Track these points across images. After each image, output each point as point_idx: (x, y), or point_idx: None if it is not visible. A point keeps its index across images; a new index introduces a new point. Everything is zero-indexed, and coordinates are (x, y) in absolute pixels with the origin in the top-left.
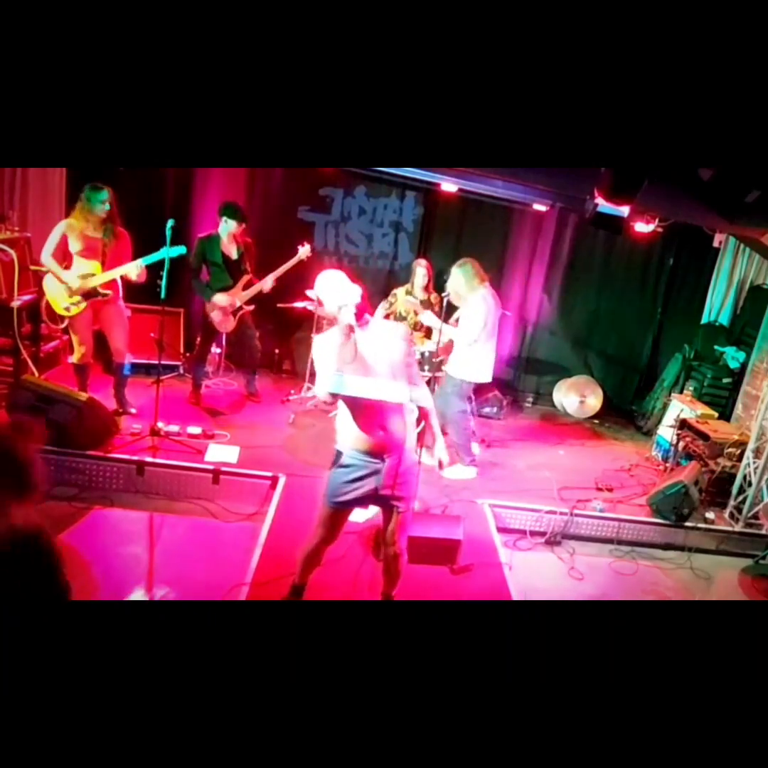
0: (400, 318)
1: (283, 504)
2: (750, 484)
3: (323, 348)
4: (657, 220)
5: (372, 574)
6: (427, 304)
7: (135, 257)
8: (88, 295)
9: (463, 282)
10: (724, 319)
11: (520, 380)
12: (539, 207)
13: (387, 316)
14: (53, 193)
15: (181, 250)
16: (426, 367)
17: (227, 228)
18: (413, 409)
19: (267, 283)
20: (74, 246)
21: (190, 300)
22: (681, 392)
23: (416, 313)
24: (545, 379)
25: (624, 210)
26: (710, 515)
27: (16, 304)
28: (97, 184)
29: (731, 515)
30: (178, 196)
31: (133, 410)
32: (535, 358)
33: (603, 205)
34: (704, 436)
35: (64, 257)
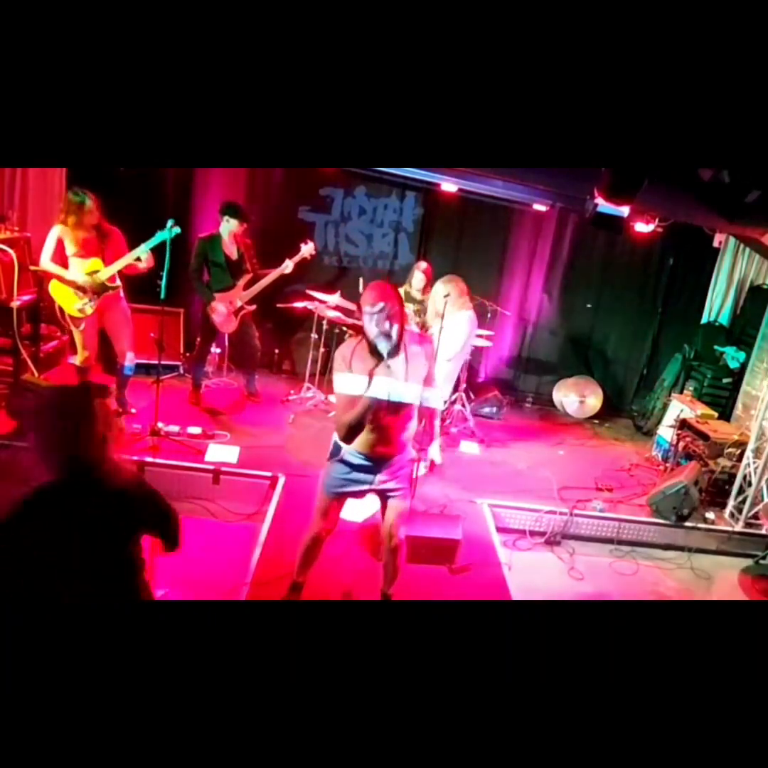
0: None
1: (283, 504)
2: (750, 484)
3: (346, 362)
4: (657, 220)
5: (371, 573)
6: (422, 308)
7: (131, 250)
8: (99, 290)
9: (451, 304)
10: (724, 319)
11: (520, 380)
12: (539, 207)
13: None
14: (53, 193)
15: (177, 231)
16: None
17: (229, 227)
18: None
19: (265, 283)
20: (70, 248)
21: (190, 300)
22: (681, 392)
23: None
24: (545, 379)
25: (624, 210)
26: (710, 515)
27: (16, 304)
28: (77, 190)
29: (731, 515)
30: (178, 196)
31: (133, 410)
32: (535, 358)
33: (603, 205)
34: (704, 436)
35: (60, 261)
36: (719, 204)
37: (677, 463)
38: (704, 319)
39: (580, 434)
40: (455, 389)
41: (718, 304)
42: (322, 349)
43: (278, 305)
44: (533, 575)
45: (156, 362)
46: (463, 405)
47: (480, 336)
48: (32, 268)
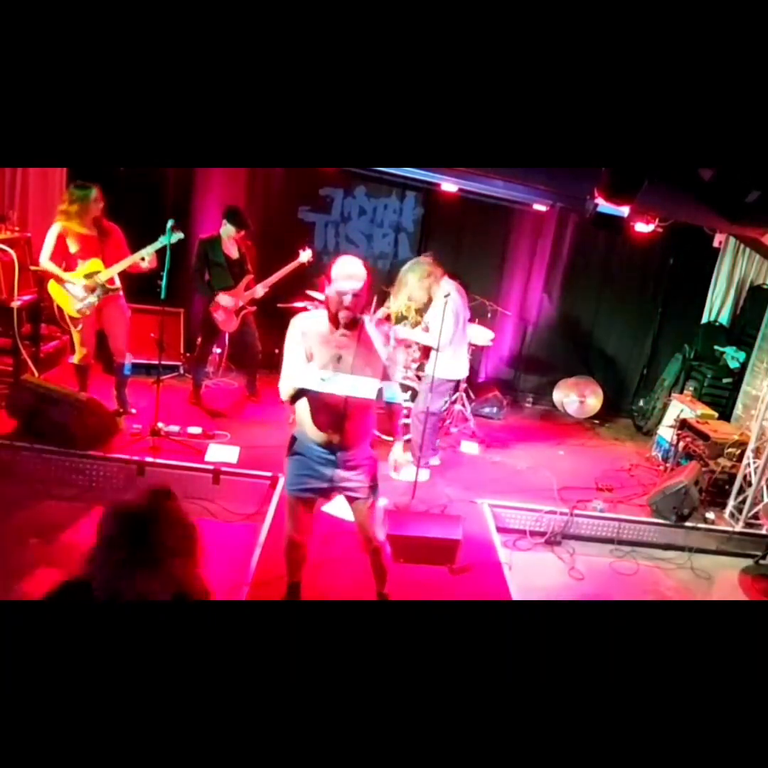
0: (401, 318)
1: (283, 504)
2: (750, 484)
3: (299, 335)
4: (657, 220)
5: (371, 573)
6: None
7: (131, 249)
8: (99, 293)
9: (418, 285)
10: (724, 319)
11: (520, 380)
12: (539, 207)
13: (387, 317)
14: (53, 193)
15: (179, 235)
16: (409, 373)
17: (227, 231)
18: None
19: (258, 291)
20: (72, 247)
21: (190, 300)
22: (681, 392)
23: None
24: (545, 379)
25: (624, 210)
26: (710, 515)
27: (16, 304)
28: (84, 182)
29: (731, 515)
30: (178, 196)
31: (133, 410)
32: (535, 358)
33: (603, 205)
34: (704, 436)
35: (62, 260)
36: (719, 204)
37: (677, 463)
38: (704, 319)
39: (580, 434)
40: (455, 389)
41: (718, 304)
42: None
43: (278, 305)
44: (533, 575)
45: (156, 362)
46: (464, 405)
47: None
48: (32, 268)
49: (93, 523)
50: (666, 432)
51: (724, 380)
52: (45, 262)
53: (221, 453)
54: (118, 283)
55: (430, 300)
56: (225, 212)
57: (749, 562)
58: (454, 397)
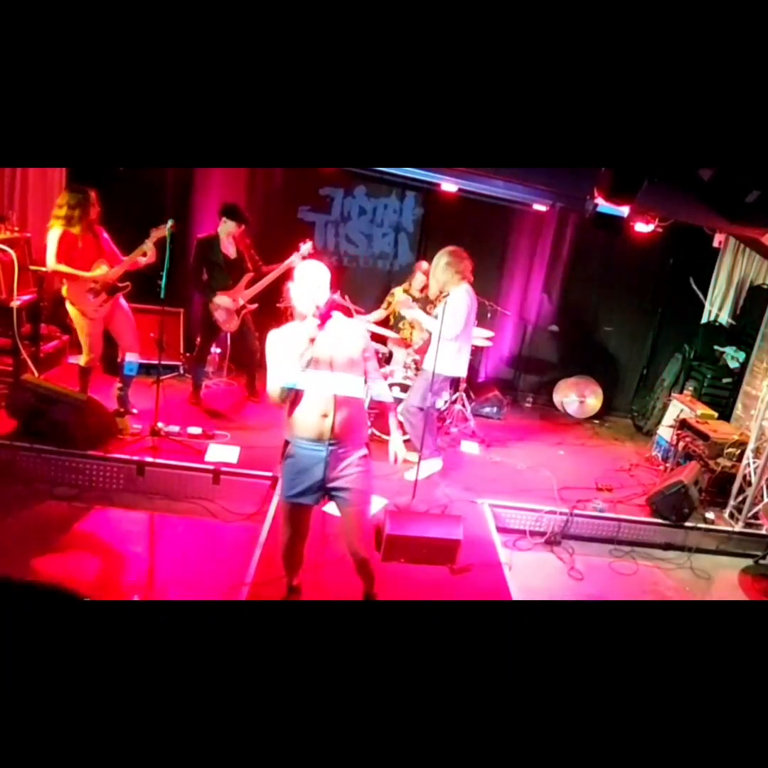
0: (400, 317)
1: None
2: (750, 484)
3: (279, 343)
4: (657, 220)
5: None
6: (425, 301)
7: (130, 249)
8: (110, 290)
9: (449, 273)
10: (724, 319)
11: (520, 380)
12: (539, 207)
13: (387, 317)
14: (53, 193)
15: (168, 225)
16: (409, 372)
17: (226, 228)
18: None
19: (266, 281)
20: (73, 250)
21: (190, 300)
22: (681, 392)
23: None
24: (545, 379)
25: (624, 210)
26: (710, 515)
27: (16, 304)
28: (79, 186)
29: (731, 515)
30: (178, 196)
31: (134, 410)
32: (535, 358)
33: (603, 205)
34: (704, 436)
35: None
36: (719, 204)
37: (677, 463)
38: (704, 319)
39: (580, 434)
40: (455, 389)
41: (718, 304)
42: None
43: (278, 305)
44: (533, 575)
45: (156, 362)
46: (464, 405)
47: (480, 336)
48: (32, 267)
49: (93, 523)
50: (666, 432)
51: (724, 380)
52: (55, 264)
53: (221, 453)
54: (129, 283)
55: (440, 292)
56: (222, 209)
57: (749, 562)
58: (454, 397)
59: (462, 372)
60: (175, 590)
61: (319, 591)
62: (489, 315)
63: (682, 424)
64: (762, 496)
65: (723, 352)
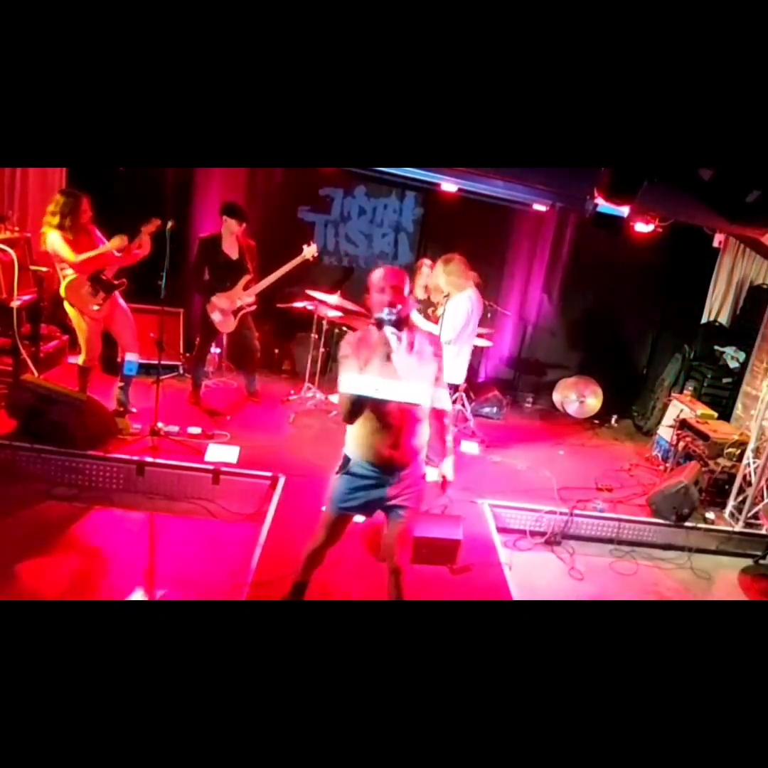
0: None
1: (283, 504)
2: (750, 484)
3: (351, 351)
4: (657, 220)
5: (372, 574)
6: (426, 303)
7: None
8: (108, 288)
9: (447, 280)
10: (724, 319)
11: (520, 380)
12: (539, 207)
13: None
14: (53, 193)
15: (155, 223)
16: None
17: (229, 227)
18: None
19: (267, 282)
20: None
21: (189, 300)
22: (681, 392)
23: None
24: (545, 379)
25: (624, 210)
26: (710, 515)
27: (16, 304)
28: (69, 191)
29: (731, 515)
30: (178, 196)
31: (133, 410)
32: (535, 358)
33: (603, 205)
34: (704, 436)
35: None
36: (719, 204)
37: (677, 463)
38: (704, 319)
39: (580, 434)
40: (455, 389)
41: (718, 304)
42: (322, 349)
43: (278, 305)
44: (533, 575)
45: (156, 362)
46: (464, 405)
47: (480, 336)
48: (32, 267)
49: (93, 523)
50: (666, 432)
51: (724, 380)
52: (77, 257)
53: (221, 453)
54: (125, 281)
55: (444, 295)
56: (223, 209)
57: (749, 562)
58: (453, 397)
59: (458, 379)
60: (175, 590)
61: (320, 591)
62: (489, 315)
63: (682, 424)
64: (762, 496)
65: (723, 352)
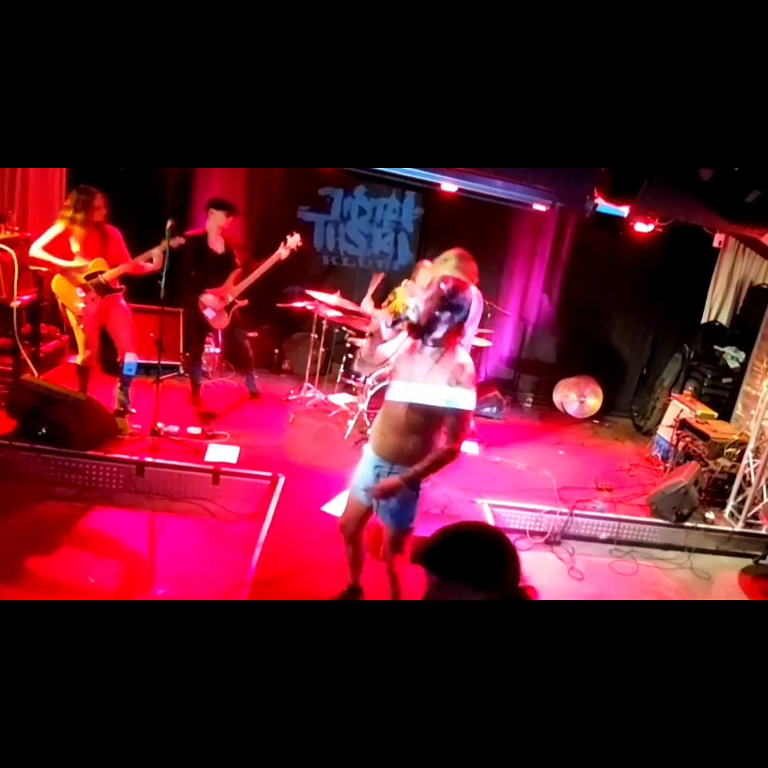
0: (402, 318)
1: (283, 504)
2: (749, 484)
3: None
4: (657, 220)
5: (372, 573)
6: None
7: (131, 249)
8: (102, 290)
9: (459, 275)
10: (724, 319)
11: (520, 380)
12: (539, 207)
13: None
14: (53, 193)
15: (180, 240)
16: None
17: (215, 220)
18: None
19: (255, 276)
20: (74, 246)
21: (189, 300)
22: (681, 392)
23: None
24: (545, 379)
25: (624, 210)
26: (710, 515)
27: (16, 304)
28: (85, 187)
29: (731, 515)
30: (178, 196)
31: (133, 410)
32: (535, 358)
33: (603, 205)
34: (704, 436)
35: (62, 256)
36: (719, 204)
37: (677, 463)
38: (704, 319)
39: (580, 434)
40: None
41: (718, 304)
42: (321, 349)
43: (278, 305)
44: (533, 575)
45: (156, 362)
46: None
47: (480, 336)
48: (32, 267)
49: (93, 523)
50: (666, 432)
51: (724, 380)
52: (37, 251)
53: (221, 453)
54: (123, 287)
55: None
56: (209, 203)
57: (749, 562)
58: None
59: None
60: (175, 590)
61: (319, 591)
62: (489, 315)
63: (682, 424)
64: (762, 496)
65: (723, 352)
